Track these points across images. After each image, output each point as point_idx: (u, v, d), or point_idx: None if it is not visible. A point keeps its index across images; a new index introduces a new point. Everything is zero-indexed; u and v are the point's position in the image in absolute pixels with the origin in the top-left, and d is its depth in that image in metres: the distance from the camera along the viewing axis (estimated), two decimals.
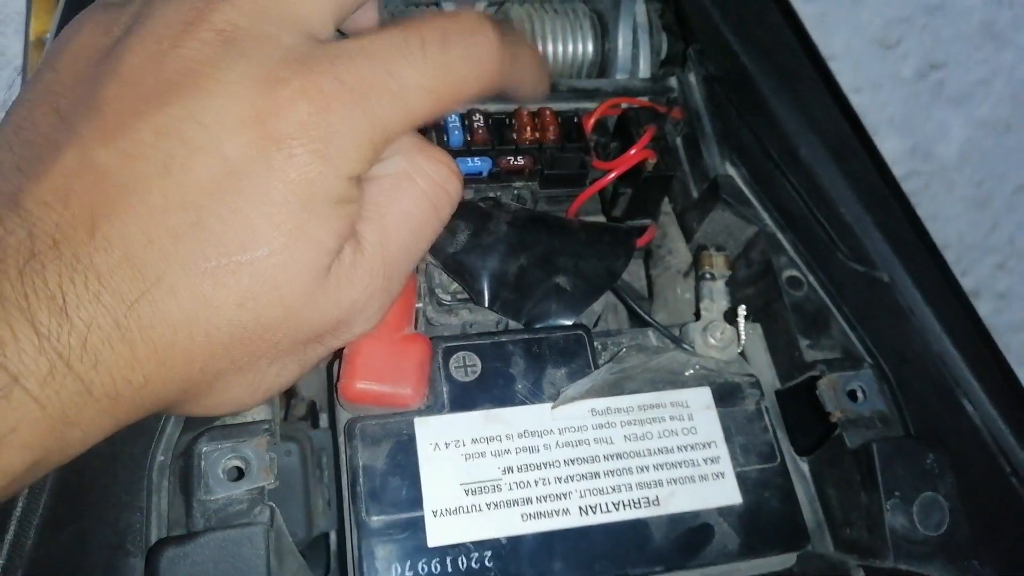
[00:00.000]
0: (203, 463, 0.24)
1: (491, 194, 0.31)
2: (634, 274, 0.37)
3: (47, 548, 0.24)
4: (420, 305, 0.30)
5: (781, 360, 0.32)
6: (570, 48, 0.38)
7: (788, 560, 0.27)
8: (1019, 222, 1.54)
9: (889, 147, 1.53)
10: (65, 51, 0.23)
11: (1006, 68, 1.63)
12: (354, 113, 0.20)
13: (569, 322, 0.29)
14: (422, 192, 0.24)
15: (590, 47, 0.38)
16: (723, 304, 0.30)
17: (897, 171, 1.43)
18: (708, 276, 0.30)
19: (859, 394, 0.30)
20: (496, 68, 0.23)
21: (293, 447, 0.28)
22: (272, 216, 0.20)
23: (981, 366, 0.34)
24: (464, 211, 0.29)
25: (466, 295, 0.30)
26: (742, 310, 0.30)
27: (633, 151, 0.31)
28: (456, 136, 0.31)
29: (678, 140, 0.37)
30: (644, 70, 0.37)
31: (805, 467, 0.31)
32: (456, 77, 0.22)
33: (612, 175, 0.31)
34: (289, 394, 0.34)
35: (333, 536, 0.29)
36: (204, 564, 0.22)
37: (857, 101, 1.60)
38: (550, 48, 0.38)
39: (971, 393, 0.33)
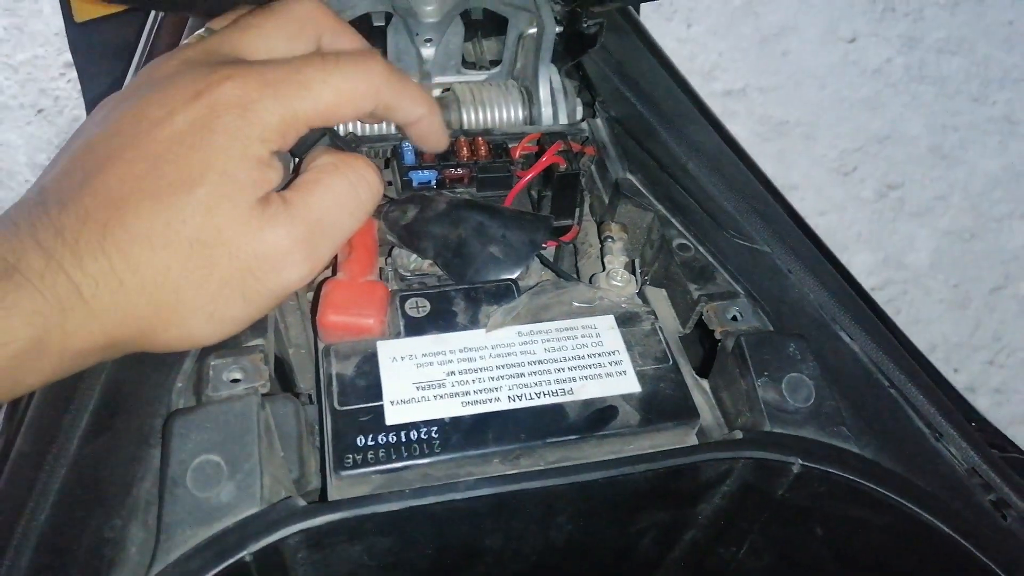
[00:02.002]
0: (211, 372, 0.32)
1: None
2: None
3: (87, 450, 0.31)
4: (391, 287, 0.38)
5: (680, 310, 0.39)
6: (505, 113, 0.48)
7: (690, 440, 0.33)
8: (1001, 320, 1.60)
9: (861, 260, 1.63)
10: None
11: (960, 183, 1.77)
12: (266, 92, 0.30)
13: None
14: (343, 176, 0.32)
15: (520, 111, 0.49)
16: (622, 259, 0.38)
17: (872, 281, 1.52)
18: (609, 239, 0.39)
19: (738, 316, 0.36)
20: (379, 82, 0.32)
21: (290, 402, 0.35)
22: (205, 160, 0.29)
23: (857, 311, 0.41)
24: (413, 198, 0.38)
25: (424, 272, 0.38)
26: (637, 261, 0.38)
27: (544, 158, 0.40)
28: (409, 156, 0.40)
29: (592, 168, 0.46)
30: (562, 123, 0.48)
31: (706, 384, 0.37)
32: (348, 79, 0.31)
33: (530, 175, 0.40)
34: (291, 388, 0.42)
35: None
36: (207, 426, 0.29)
37: (824, 222, 1.72)
38: (489, 114, 0.48)
39: (849, 329, 0.39)
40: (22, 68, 1.46)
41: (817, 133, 1.77)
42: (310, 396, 0.43)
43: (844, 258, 0.45)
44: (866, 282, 0.42)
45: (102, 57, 0.96)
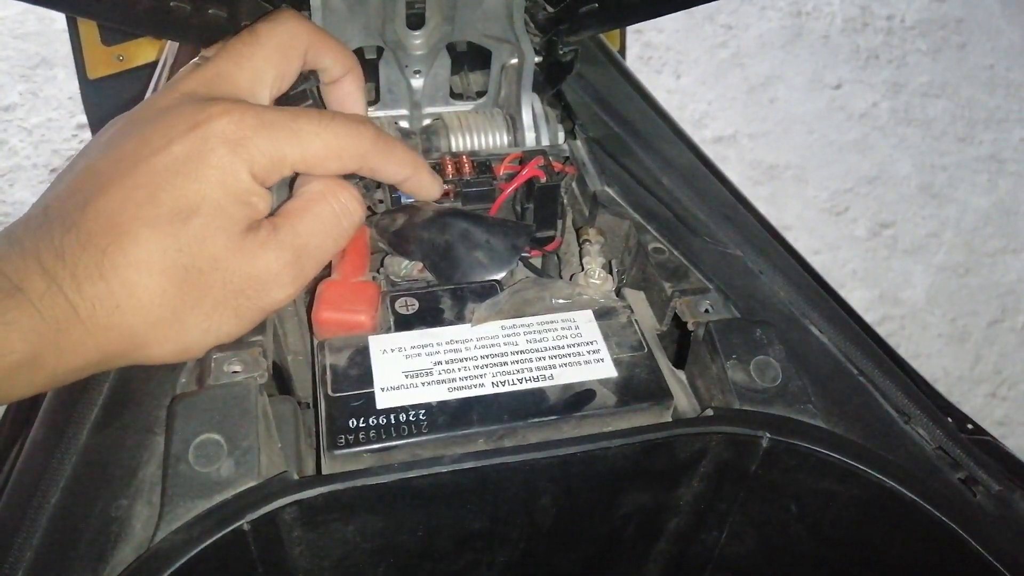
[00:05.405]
0: (212, 364, 0.34)
1: None
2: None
3: (96, 439, 0.33)
4: (383, 289, 0.41)
5: (657, 309, 0.42)
6: (490, 138, 0.52)
7: (665, 416, 0.35)
8: (1001, 353, 1.60)
9: (858, 296, 1.65)
10: None
11: (952, 220, 1.80)
12: (260, 131, 0.32)
13: None
14: (329, 205, 0.35)
15: (505, 137, 0.52)
16: (600, 260, 0.40)
17: (869, 317, 1.54)
18: (587, 242, 0.41)
19: (709, 309, 0.39)
20: (367, 146, 0.35)
21: (287, 402, 0.37)
22: (200, 192, 0.31)
23: (826, 306, 0.43)
24: (401, 208, 0.41)
25: (414, 278, 0.41)
26: (615, 262, 0.40)
27: (526, 171, 0.43)
28: None
29: (573, 185, 0.49)
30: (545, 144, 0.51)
31: (682, 375, 0.39)
32: (339, 137, 0.34)
33: (513, 187, 0.43)
34: (289, 395, 0.44)
35: None
36: (208, 407, 0.31)
37: (818, 261, 1.75)
38: (476, 139, 0.51)
39: (817, 323, 0.41)
40: (36, 131, 1.52)
41: (807, 175, 1.81)
42: (308, 404, 0.44)
43: (840, 295, 0.46)
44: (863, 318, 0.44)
45: (114, 112, 1.00)
